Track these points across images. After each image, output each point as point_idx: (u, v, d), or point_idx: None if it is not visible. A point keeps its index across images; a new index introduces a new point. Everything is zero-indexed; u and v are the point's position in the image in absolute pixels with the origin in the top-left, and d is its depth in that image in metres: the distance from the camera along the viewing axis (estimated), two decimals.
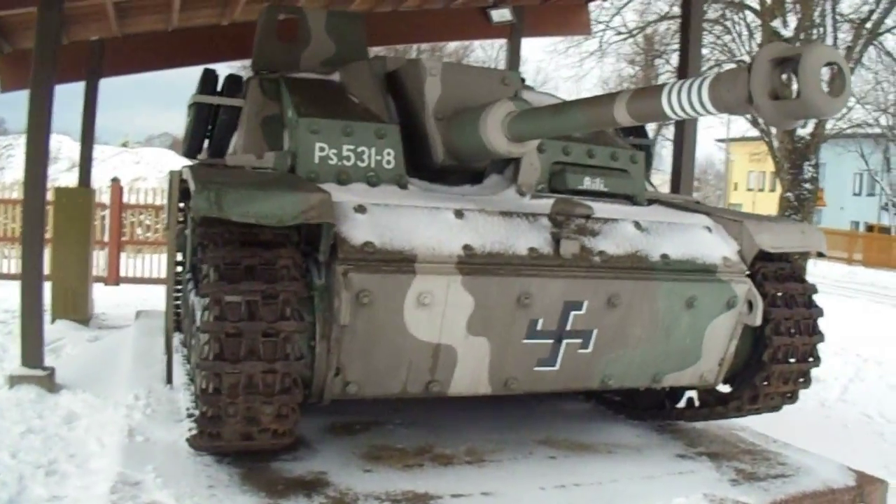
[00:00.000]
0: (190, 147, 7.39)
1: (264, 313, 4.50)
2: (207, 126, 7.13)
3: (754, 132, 39.62)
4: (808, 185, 26.38)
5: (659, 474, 5.85)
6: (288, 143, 5.99)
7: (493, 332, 5.18)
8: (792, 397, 6.33)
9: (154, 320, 10.72)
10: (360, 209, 4.97)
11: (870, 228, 49.83)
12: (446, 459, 5.80)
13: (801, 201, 26.17)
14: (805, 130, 26.05)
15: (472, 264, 5.03)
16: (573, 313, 5.34)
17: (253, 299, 4.48)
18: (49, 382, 7.63)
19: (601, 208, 5.88)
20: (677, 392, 6.91)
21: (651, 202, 6.67)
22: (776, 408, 6.40)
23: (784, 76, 3.44)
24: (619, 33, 32.90)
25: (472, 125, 5.43)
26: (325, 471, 5.40)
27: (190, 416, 6.26)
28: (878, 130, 40.30)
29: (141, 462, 5.29)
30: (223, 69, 8.05)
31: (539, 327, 5.29)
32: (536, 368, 5.44)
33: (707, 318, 5.77)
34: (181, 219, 7.82)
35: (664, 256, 5.64)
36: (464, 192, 5.99)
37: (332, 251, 4.74)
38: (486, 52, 55.04)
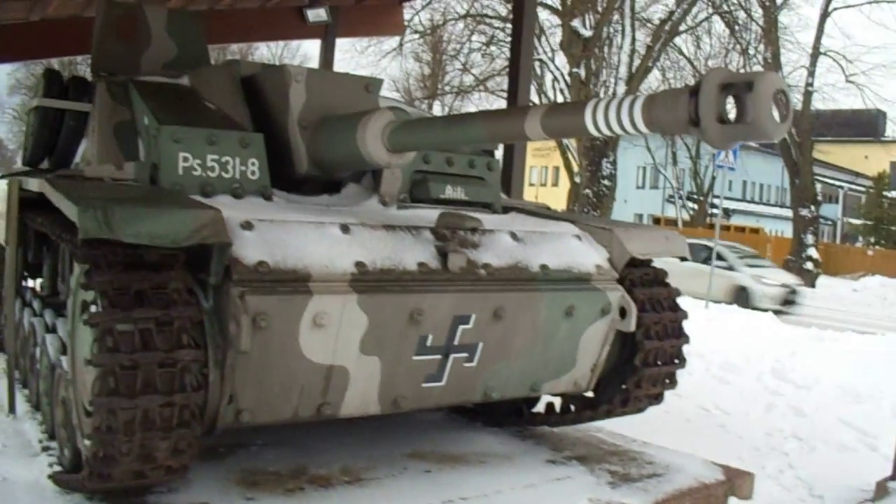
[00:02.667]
0: (33, 155, 6.95)
1: (159, 342, 4.22)
2: (53, 132, 6.71)
3: None
4: (606, 182, 27.05)
5: (538, 482, 5.85)
6: (145, 153, 5.68)
7: (385, 350, 5.05)
8: (658, 398, 6.42)
9: None
10: (248, 226, 4.72)
11: (656, 221, 51.43)
12: (324, 481, 5.62)
13: (599, 197, 26.83)
14: None
15: (366, 282, 4.88)
16: (461, 327, 5.26)
17: (147, 327, 4.20)
18: None
19: (482, 219, 5.83)
20: (533, 397, 6.90)
21: (507, 210, 6.64)
22: (642, 410, 6.49)
23: (728, 101, 3.45)
24: (416, 31, 33.13)
25: (346, 135, 5.26)
26: (207, 501, 5.13)
27: (45, 449, 5.90)
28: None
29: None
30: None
31: (428, 343, 5.19)
32: (424, 385, 5.34)
33: (583, 326, 5.79)
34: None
35: (543, 267, 5.62)
36: (325, 203, 5.82)
37: (224, 272, 4.50)
38: (272, 49, 54.71)
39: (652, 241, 6.19)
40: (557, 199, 39.53)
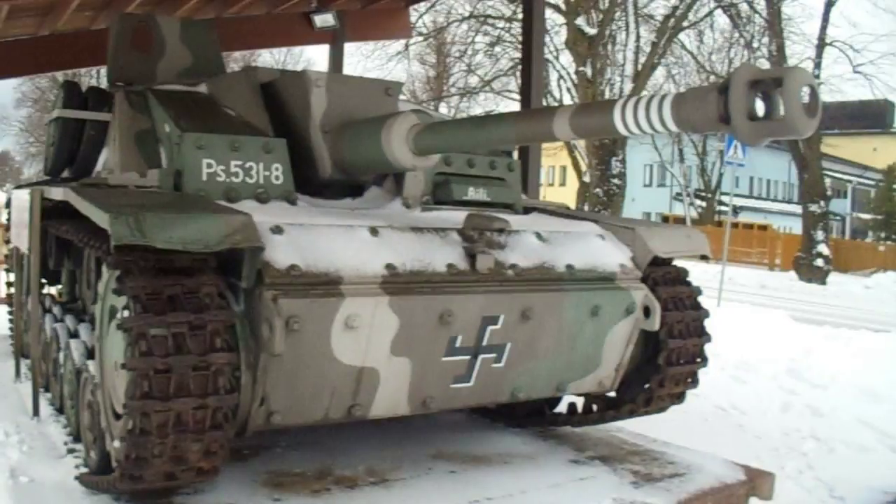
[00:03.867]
0: (55, 165, 7.00)
1: (192, 346, 4.24)
2: (74, 142, 6.74)
3: None
4: (616, 181, 27.03)
5: (562, 482, 5.85)
6: (167, 160, 5.74)
7: (415, 351, 5.07)
8: (680, 397, 6.42)
9: None
10: (278, 230, 4.74)
11: (664, 219, 51.38)
12: (350, 482, 5.64)
13: (609, 196, 26.82)
14: None
15: (397, 284, 4.90)
16: (490, 328, 5.28)
17: (180, 331, 4.22)
18: None
19: (509, 220, 5.84)
20: (556, 398, 6.92)
21: (527, 210, 6.67)
22: (664, 409, 6.49)
23: (757, 97, 3.47)
24: (421, 34, 33.14)
25: (370, 138, 5.30)
26: (234, 502, 5.18)
27: (70, 451, 5.96)
28: None
29: None
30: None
31: (458, 344, 5.21)
32: (453, 385, 5.37)
33: (608, 325, 5.80)
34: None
35: (569, 267, 5.64)
36: (349, 206, 5.87)
37: (256, 276, 4.52)
38: (275, 56, 54.82)
39: (674, 240, 6.21)
40: (565, 198, 39.35)
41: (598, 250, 5.93)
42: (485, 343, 5.33)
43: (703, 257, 6.43)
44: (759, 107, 3.47)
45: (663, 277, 6.15)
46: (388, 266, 4.92)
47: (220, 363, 4.30)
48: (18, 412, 6.98)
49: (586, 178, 31.74)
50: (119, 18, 7.30)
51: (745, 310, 17.55)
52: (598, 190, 27.81)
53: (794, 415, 9.16)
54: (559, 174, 63.06)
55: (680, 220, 49.90)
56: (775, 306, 19.69)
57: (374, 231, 5.11)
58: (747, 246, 45.69)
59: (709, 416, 8.91)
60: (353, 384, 4.95)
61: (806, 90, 3.36)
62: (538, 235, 5.78)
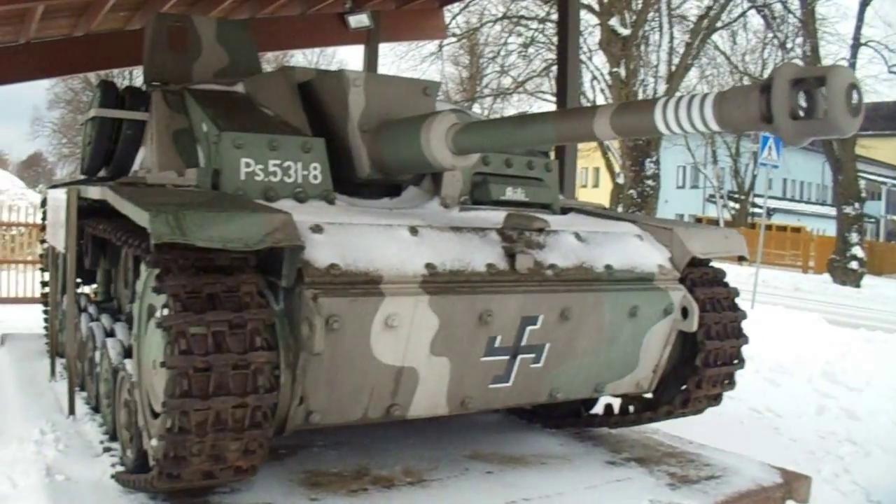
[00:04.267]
0: (92, 164, 7.01)
1: (232, 344, 4.24)
2: (111, 141, 6.77)
3: None
4: (650, 182, 26.95)
5: (599, 483, 5.84)
6: (205, 159, 5.75)
7: (455, 351, 5.06)
8: (717, 399, 6.38)
9: (24, 344, 10.26)
10: (317, 229, 4.74)
11: (697, 221, 51.15)
12: (387, 482, 5.64)
13: (643, 197, 26.74)
14: None
15: (437, 283, 4.89)
16: (529, 328, 5.26)
17: (219, 330, 4.23)
18: None
19: (548, 220, 5.84)
20: (591, 399, 6.92)
21: (565, 210, 6.65)
22: (701, 411, 6.46)
23: (800, 96, 3.44)
24: (454, 35, 33.13)
25: (409, 138, 5.29)
26: (271, 501, 5.18)
27: (106, 449, 5.99)
28: None
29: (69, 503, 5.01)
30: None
31: (497, 344, 5.20)
32: (491, 385, 5.35)
33: (646, 326, 5.78)
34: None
35: (608, 267, 5.63)
36: (387, 206, 5.86)
37: (296, 275, 4.52)
38: (307, 56, 54.94)
39: (712, 241, 6.18)
40: (598, 200, 39.16)
41: (637, 251, 5.91)
42: (524, 343, 5.31)
43: (741, 258, 6.40)
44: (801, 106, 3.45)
45: (701, 278, 6.12)
46: (428, 265, 4.91)
47: (260, 362, 4.30)
48: (54, 411, 7.02)
49: (620, 180, 31.70)
50: (155, 18, 7.34)
51: (780, 312, 17.47)
52: (632, 191, 27.77)
53: (830, 418, 9.08)
54: (592, 175, 62.88)
55: (713, 222, 49.57)
56: (809, 309, 19.59)
57: (413, 230, 5.11)
58: (781, 248, 45.44)
59: (744, 419, 8.85)
60: (392, 384, 4.94)
61: (849, 89, 3.33)
62: (577, 235, 5.77)
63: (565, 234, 5.75)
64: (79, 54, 12.94)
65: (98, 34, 12.60)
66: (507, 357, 5.30)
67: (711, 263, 6.37)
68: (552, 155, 7.55)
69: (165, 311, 4.26)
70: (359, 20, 13.76)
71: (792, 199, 65.45)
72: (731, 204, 53.41)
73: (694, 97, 3.83)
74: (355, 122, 5.77)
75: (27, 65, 12.78)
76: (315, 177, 5.61)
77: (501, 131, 4.99)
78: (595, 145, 37.17)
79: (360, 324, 4.63)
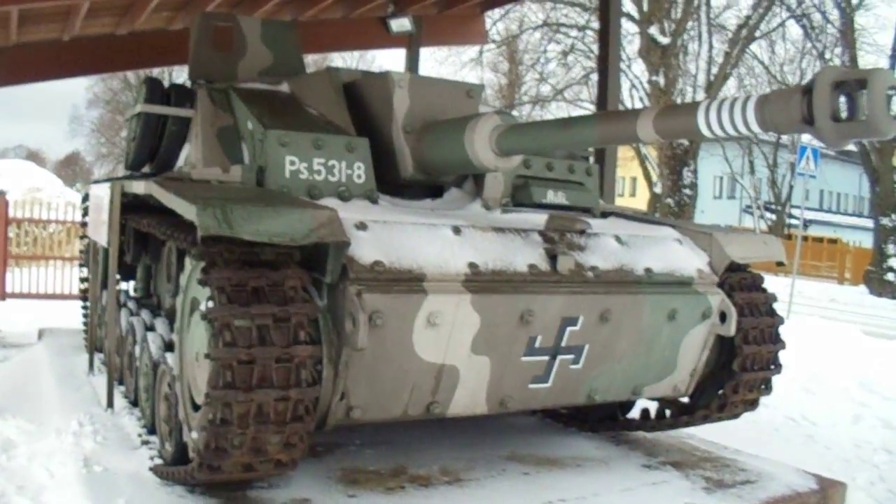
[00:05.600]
0: (136, 159, 7.07)
1: (276, 338, 4.29)
2: (155, 137, 6.83)
3: None
4: (687, 191, 26.88)
5: (635, 486, 5.85)
6: (250, 156, 5.81)
7: (496, 350, 5.09)
8: (753, 404, 6.39)
9: (62, 339, 10.37)
10: (362, 226, 4.81)
11: None
12: (424, 480, 5.67)
13: (681, 206, 26.68)
14: None
15: (479, 282, 4.93)
16: (569, 329, 5.29)
17: (264, 323, 4.27)
18: None
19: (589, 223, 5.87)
20: (628, 403, 6.94)
21: (605, 214, 6.67)
22: (737, 415, 6.46)
23: (841, 98, 3.47)
24: (494, 41, 33.16)
25: (452, 139, 5.33)
26: (308, 498, 5.20)
27: (145, 442, 6.04)
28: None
29: (108, 495, 5.03)
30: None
31: (537, 344, 5.23)
32: (531, 386, 5.38)
33: (684, 329, 5.80)
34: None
35: (648, 270, 5.65)
36: (429, 207, 5.90)
37: (341, 271, 4.57)
38: (346, 61, 55.03)
39: (751, 246, 6.20)
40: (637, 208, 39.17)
41: (676, 254, 5.94)
42: (564, 344, 5.34)
43: (779, 263, 6.40)
44: (843, 109, 3.48)
45: (739, 283, 6.13)
46: (471, 265, 4.96)
47: (304, 356, 4.34)
48: (92, 404, 7.09)
49: (657, 189, 31.61)
50: (201, 17, 7.40)
51: (816, 323, 17.37)
52: (669, 200, 27.71)
53: (866, 427, 9.08)
54: (629, 185, 62.73)
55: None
56: (845, 320, 19.48)
57: (456, 230, 5.16)
58: (817, 259, 45.22)
59: (779, 427, 8.87)
60: (432, 381, 4.97)
61: (891, 92, 3.36)
62: (617, 238, 5.80)
63: (606, 236, 5.78)
64: (122, 52, 13.08)
65: (141, 33, 12.73)
66: (546, 357, 5.32)
67: (750, 269, 6.37)
68: (591, 160, 7.58)
69: (210, 304, 4.31)
70: (400, 24, 13.82)
71: (829, 211, 65.07)
72: (768, 215, 53.13)
73: (737, 100, 3.87)
74: (399, 123, 5.80)
75: (71, 61, 12.94)
76: (359, 176, 5.66)
77: (545, 133, 5.03)
78: (632, 154, 37.13)
79: (402, 321, 4.67)
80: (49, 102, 79.55)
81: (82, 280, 10.49)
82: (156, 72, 29.54)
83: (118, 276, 7.90)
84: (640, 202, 41.91)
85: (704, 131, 3.99)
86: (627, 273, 5.59)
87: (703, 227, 6.46)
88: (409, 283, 4.70)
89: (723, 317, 5.88)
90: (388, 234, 4.86)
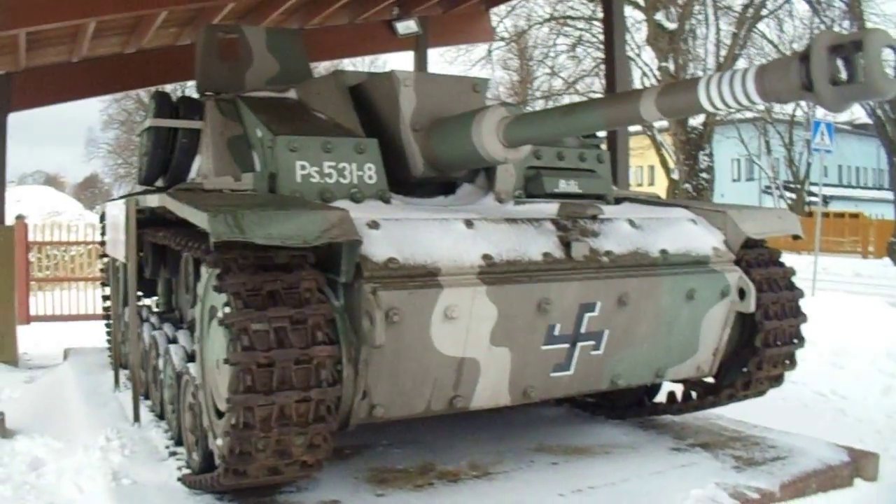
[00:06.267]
0: (149, 173, 7.11)
1: (294, 340, 4.31)
2: (167, 150, 6.86)
3: (633, 128, 40.14)
4: (704, 175, 26.81)
5: (664, 469, 5.87)
6: (260, 164, 5.85)
7: (515, 341, 5.10)
8: (779, 380, 6.38)
9: (88, 357, 10.45)
10: (374, 225, 4.83)
11: None
12: (453, 476, 5.70)
13: (698, 191, 26.61)
14: (697, 120, 26.43)
15: (494, 273, 4.95)
16: (587, 315, 5.30)
17: (281, 325, 4.30)
18: (1, 428, 7.29)
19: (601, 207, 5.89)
20: (655, 387, 6.95)
21: (619, 200, 6.68)
22: (763, 392, 6.45)
23: (839, 62, 3.49)
24: (502, 38, 33.12)
25: (460, 133, 5.36)
26: (338, 499, 5.25)
27: (172, 454, 6.09)
28: (755, 115, 41.46)
29: None
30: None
31: (556, 332, 5.24)
32: (552, 374, 5.39)
33: (704, 309, 5.80)
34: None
35: (663, 252, 5.66)
36: (443, 204, 5.94)
37: (355, 270, 4.59)
38: (356, 65, 55.07)
39: (765, 221, 6.21)
40: None
41: (691, 234, 5.94)
42: (583, 330, 5.34)
43: (796, 237, 6.39)
44: (842, 72, 3.51)
45: (756, 259, 6.13)
46: (485, 256, 4.97)
47: (322, 356, 4.37)
48: (119, 419, 7.14)
49: (675, 175, 31.55)
50: (206, 30, 7.47)
51: (841, 298, 17.28)
52: (687, 185, 27.64)
53: None
54: (647, 174, 62.53)
55: None
56: (871, 293, 19.37)
57: (469, 223, 5.18)
58: (839, 235, 44.97)
59: (808, 402, 8.82)
60: (454, 375, 4.99)
61: (888, 51, 3.37)
62: (631, 222, 5.81)
63: (619, 221, 5.79)
64: (131, 71, 13.19)
65: (149, 50, 12.83)
66: (566, 345, 5.33)
67: (767, 245, 6.37)
68: (604, 146, 7.59)
69: (227, 310, 4.35)
70: (406, 26, 13.86)
71: (849, 186, 64.68)
72: (788, 194, 52.89)
73: (736, 71, 3.91)
74: (407, 122, 5.84)
75: (82, 83, 13.05)
76: (370, 177, 5.69)
77: (550, 120, 5.04)
78: (648, 143, 37.02)
79: (419, 316, 4.69)
80: (64, 126, 79.73)
81: (104, 298, 10.55)
82: (169, 87, 29.70)
83: (140, 293, 7.96)
84: (659, 190, 41.79)
85: (706, 105, 4.03)
86: (643, 256, 5.59)
87: (717, 205, 6.48)
88: (424, 278, 4.72)
89: (742, 294, 5.88)
90: (400, 232, 4.89)
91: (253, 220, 4.24)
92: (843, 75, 3.49)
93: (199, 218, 4.43)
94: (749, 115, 41.90)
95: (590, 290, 5.27)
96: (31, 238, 16.68)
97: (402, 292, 4.60)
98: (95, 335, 11.57)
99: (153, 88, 12.97)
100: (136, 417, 6.96)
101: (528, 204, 6.02)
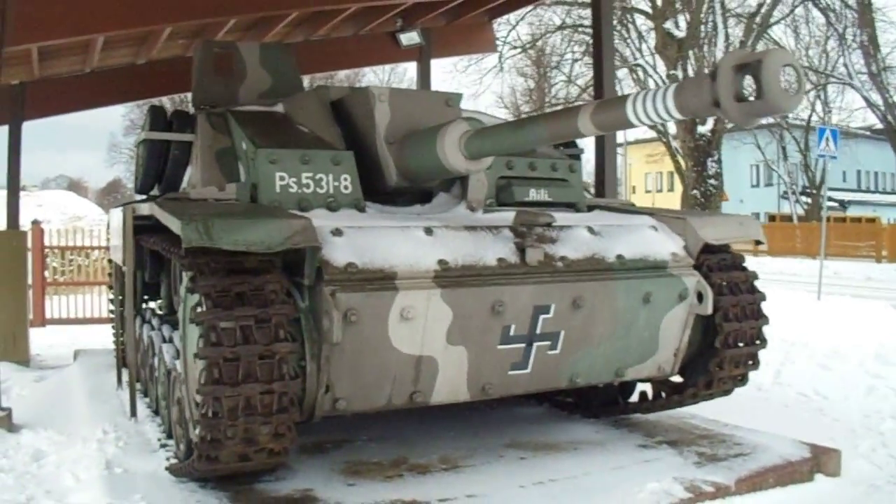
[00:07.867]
0: (143, 184, 7.48)
1: (258, 336, 4.66)
2: (160, 162, 7.20)
3: (650, 134, 40.25)
4: (712, 181, 26.91)
5: (627, 464, 6.10)
6: (245, 175, 6.16)
7: (471, 340, 5.41)
8: (742, 380, 6.61)
9: (95, 358, 10.84)
10: (338, 232, 5.17)
11: (772, 218, 50.77)
12: (423, 468, 5.98)
13: (706, 197, 26.71)
14: (706, 127, 26.51)
15: (449, 277, 5.25)
16: (542, 317, 5.58)
17: (247, 324, 4.64)
18: (7, 422, 7.61)
19: (557, 216, 6.14)
20: (629, 387, 7.20)
21: (591, 208, 6.96)
22: (728, 392, 6.67)
23: (745, 80, 3.78)
24: (515, 47, 33.28)
25: (427, 146, 5.63)
26: (311, 488, 5.54)
27: (163, 446, 6.44)
28: (770, 121, 41.46)
29: (126, 493, 5.42)
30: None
31: (511, 333, 5.53)
32: (511, 372, 5.67)
33: (662, 311, 6.06)
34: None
35: (619, 257, 5.92)
36: (417, 212, 6.20)
37: (317, 274, 4.92)
38: (378, 75, 55.32)
39: (725, 227, 6.46)
40: (673, 203, 38.94)
41: (650, 240, 6.21)
42: (538, 331, 5.63)
43: (757, 243, 6.61)
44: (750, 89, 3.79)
45: (718, 264, 6.37)
46: (441, 262, 5.29)
47: (284, 352, 4.72)
48: (118, 414, 7.53)
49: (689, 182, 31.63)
50: (202, 46, 7.78)
51: (846, 302, 17.38)
52: (695, 191, 27.75)
53: (877, 398, 9.09)
54: (667, 180, 62.56)
55: (787, 219, 49.20)
56: (878, 297, 19.44)
57: (428, 231, 5.49)
58: (855, 240, 44.93)
59: (790, 403, 8.97)
60: (412, 372, 5.31)
61: (786, 69, 3.65)
62: (590, 229, 6.08)
63: (578, 228, 6.06)
64: (142, 81, 13.48)
65: (159, 61, 13.14)
66: (523, 345, 5.62)
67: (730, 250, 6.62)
68: (591, 156, 7.83)
69: (199, 309, 4.72)
70: (410, 38, 14.07)
71: (867, 191, 64.53)
72: (804, 199, 52.84)
73: (658, 89, 4.20)
74: (382, 135, 6.14)
75: (95, 92, 13.41)
76: (346, 187, 5.99)
77: (504, 135, 5.35)
78: (663, 149, 37.11)
79: (377, 316, 5.03)
80: (87, 132, 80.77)
81: (111, 301, 10.87)
82: (177, 98, 30.07)
83: (146, 296, 8.33)
84: (678, 197, 41.77)
85: (634, 121, 4.32)
86: (598, 261, 5.86)
87: (679, 212, 6.74)
88: (381, 281, 5.05)
89: (700, 297, 6.13)
90: (362, 238, 5.22)
91: (221, 228, 4.60)
92: (751, 93, 3.77)
93: (175, 224, 4.80)
94: (764, 120, 41.93)
95: (543, 293, 5.55)
96: (47, 242, 17.04)
97: (359, 294, 4.95)
98: (107, 337, 11.90)
99: (164, 98, 13.23)
100: (133, 412, 7.31)
101: (495, 212, 6.27)
